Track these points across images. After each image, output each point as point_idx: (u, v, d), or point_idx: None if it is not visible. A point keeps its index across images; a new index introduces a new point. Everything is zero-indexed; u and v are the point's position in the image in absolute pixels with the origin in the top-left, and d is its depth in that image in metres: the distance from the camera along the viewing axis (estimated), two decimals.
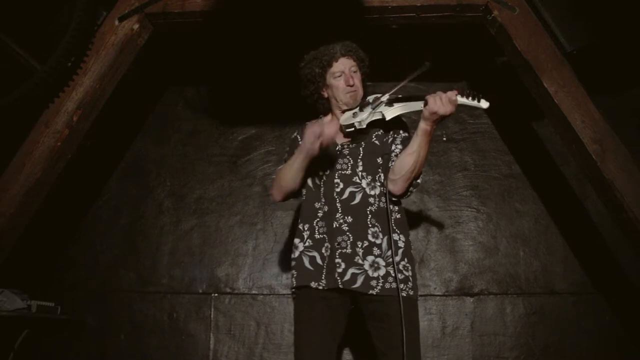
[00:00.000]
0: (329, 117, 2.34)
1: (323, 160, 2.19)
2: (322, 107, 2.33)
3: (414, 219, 3.19)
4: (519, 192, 3.21)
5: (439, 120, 2.04)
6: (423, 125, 2.04)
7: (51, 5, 2.35)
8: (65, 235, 3.27)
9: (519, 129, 3.29)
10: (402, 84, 2.11)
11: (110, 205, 3.32)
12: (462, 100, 2.03)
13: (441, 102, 1.99)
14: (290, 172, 2.18)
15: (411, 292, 2.11)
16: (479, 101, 2.03)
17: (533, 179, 3.22)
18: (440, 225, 3.19)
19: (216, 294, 3.17)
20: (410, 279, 2.12)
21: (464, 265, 3.14)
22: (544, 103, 2.51)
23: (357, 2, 2.51)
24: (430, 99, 2.00)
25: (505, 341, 3.03)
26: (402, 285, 2.06)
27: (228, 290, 3.17)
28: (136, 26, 2.56)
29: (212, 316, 3.14)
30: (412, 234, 3.18)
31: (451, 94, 2.01)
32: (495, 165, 3.26)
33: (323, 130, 2.03)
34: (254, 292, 3.16)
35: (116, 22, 2.54)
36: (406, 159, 2.08)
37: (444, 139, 3.30)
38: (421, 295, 3.06)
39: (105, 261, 3.24)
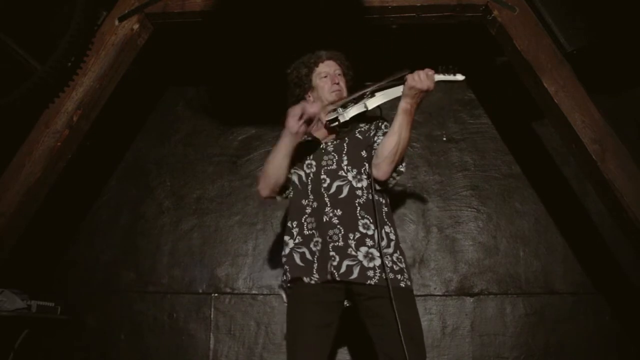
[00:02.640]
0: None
1: (308, 158, 2.26)
2: None
3: (414, 219, 3.19)
4: (519, 192, 3.21)
5: (419, 98, 2.10)
6: (403, 104, 2.11)
7: (51, 5, 2.35)
8: (65, 235, 3.26)
9: (519, 129, 3.28)
10: (380, 84, 2.20)
11: (110, 205, 3.32)
12: (439, 76, 2.13)
13: (419, 77, 2.07)
14: (276, 160, 2.20)
15: (409, 283, 2.14)
16: (454, 74, 2.15)
17: (533, 179, 3.21)
18: (440, 225, 3.19)
19: (216, 294, 3.16)
20: (405, 270, 2.15)
21: (464, 265, 3.14)
22: (544, 103, 2.51)
23: (357, 2, 2.51)
24: (409, 76, 2.10)
25: (505, 341, 3.03)
26: (399, 276, 2.10)
27: (228, 290, 3.17)
28: (136, 26, 2.56)
29: (212, 316, 3.13)
30: (412, 234, 3.18)
31: (428, 70, 2.10)
32: (495, 165, 3.25)
33: (305, 108, 2.07)
34: (254, 292, 3.16)
35: (116, 22, 2.54)
36: (388, 140, 2.13)
37: (444, 139, 3.30)
38: (421, 295, 3.06)
39: (105, 261, 3.24)
